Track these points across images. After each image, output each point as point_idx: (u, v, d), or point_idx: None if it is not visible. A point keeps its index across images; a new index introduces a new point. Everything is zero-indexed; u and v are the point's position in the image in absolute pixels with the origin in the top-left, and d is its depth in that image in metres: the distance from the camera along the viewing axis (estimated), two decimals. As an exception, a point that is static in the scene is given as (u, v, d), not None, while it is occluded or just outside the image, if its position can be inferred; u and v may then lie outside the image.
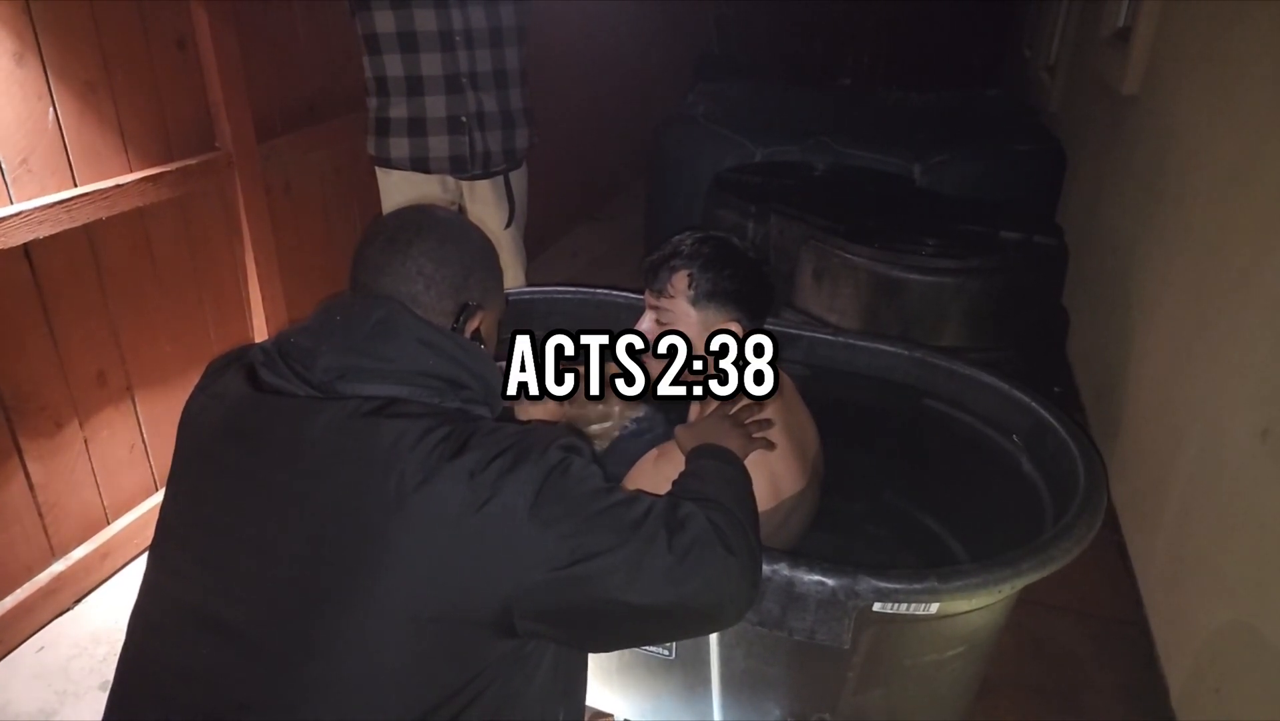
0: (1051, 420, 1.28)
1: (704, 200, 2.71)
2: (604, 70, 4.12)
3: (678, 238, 1.23)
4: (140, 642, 0.81)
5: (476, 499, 0.72)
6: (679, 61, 5.07)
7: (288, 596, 0.73)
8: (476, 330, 0.90)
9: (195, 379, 0.89)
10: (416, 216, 0.90)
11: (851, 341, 1.59)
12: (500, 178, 2.08)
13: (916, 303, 2.10)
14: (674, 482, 0.96)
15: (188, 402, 0.86)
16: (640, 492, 0.82)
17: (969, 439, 1.44)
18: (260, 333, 2.12)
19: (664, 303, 1.20)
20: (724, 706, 1.18)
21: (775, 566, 0.97)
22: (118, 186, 1.65)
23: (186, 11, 1.79)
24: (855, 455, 1.49)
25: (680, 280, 1.18)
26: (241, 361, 0.85)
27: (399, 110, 1.94)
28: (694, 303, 1.18)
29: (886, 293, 2.11)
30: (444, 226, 0.89)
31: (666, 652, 1.18)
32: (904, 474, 1.54)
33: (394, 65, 1.90)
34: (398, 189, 2.05)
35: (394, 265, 0.85)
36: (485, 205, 2.09)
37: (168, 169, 1.77)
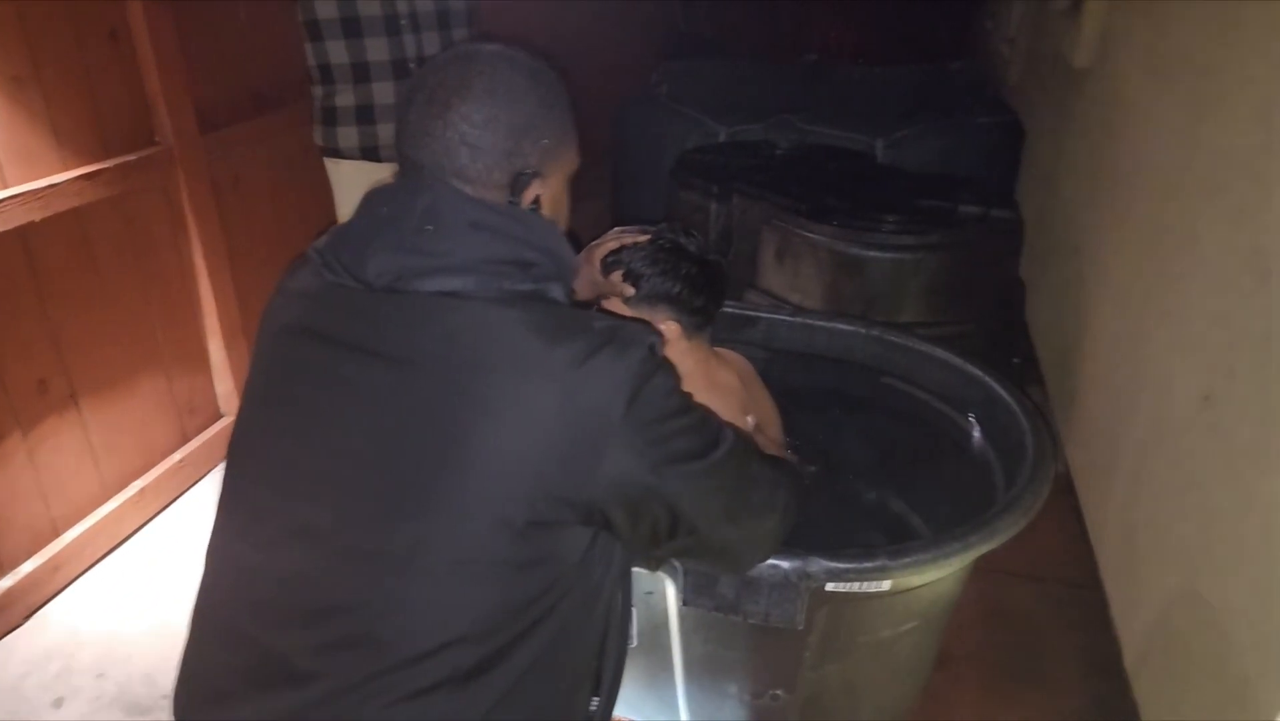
0: (1001, 392, 1.30)
1: (667, 181, 2.69)
2: (566, 49, 4.05)
3: (619, 231, 1.21)
4: (226, 547, 0.80)
5: (570, 397, 0.69)
6: (645, 39, 5.01)
7: (374, 500, 0.72)
8: (536, 200, 0.82)
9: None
10: (461, 64, 0.78)
11: (809, 322, 1.59)
12: (454, 165, 2.04)
13: (877, 280, 2.11)
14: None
15: (268, 302, 0.83)
16: (711, 414, 0.82)
17: (925, 415, 1.45)
18: (214, 333, 2.06)
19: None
20: (687, 690, 1.19)
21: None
22: (51, 186, 1.59)
23: (119, 0, 1.72)
24: (816, 435, 1.50)
25: (616, 277, 1.17)
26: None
27: (345, 98, 1.89)
28: (627, 302, 1.17)
29: (847, 271, 2.11)
30: (490, 76, 0.77)
31: (630, 640, 1.19)
32: (864, 452, 1.54)
33: (338, 52, 1.85)
34: (350, 179, 2.00)
35: (434, 131, 0.76)
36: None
37: (105, 166, 1.71)
